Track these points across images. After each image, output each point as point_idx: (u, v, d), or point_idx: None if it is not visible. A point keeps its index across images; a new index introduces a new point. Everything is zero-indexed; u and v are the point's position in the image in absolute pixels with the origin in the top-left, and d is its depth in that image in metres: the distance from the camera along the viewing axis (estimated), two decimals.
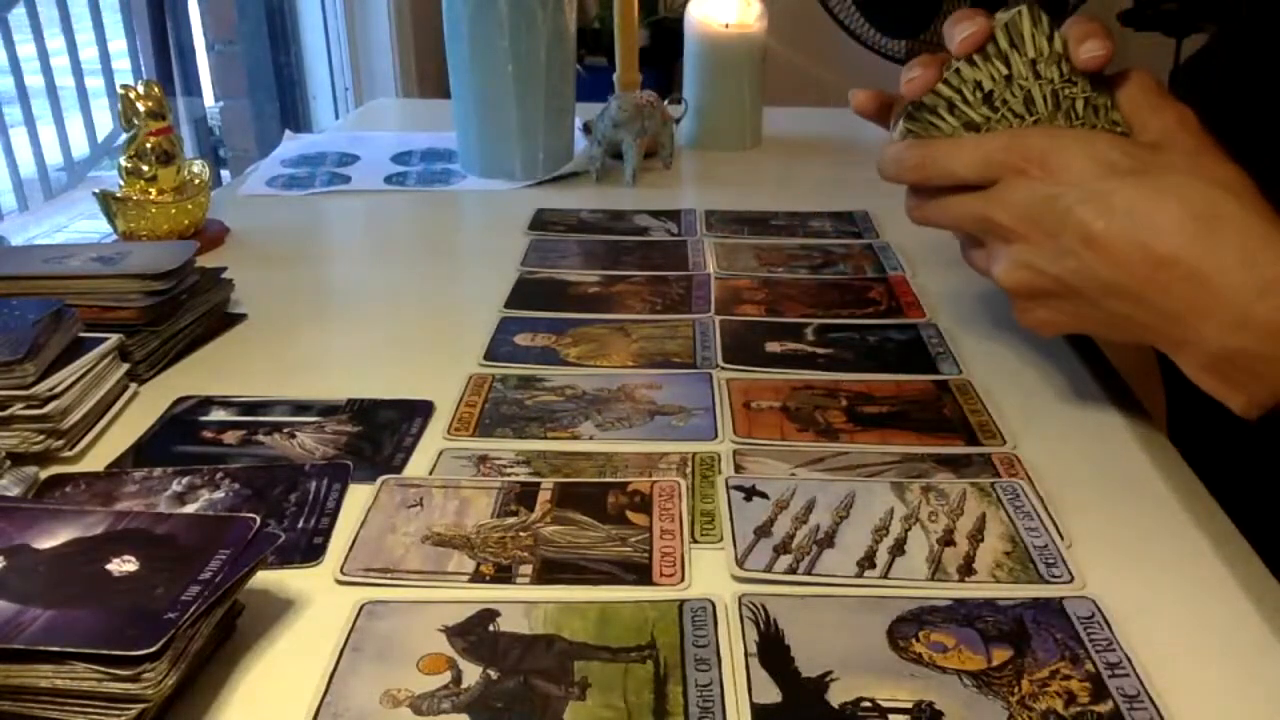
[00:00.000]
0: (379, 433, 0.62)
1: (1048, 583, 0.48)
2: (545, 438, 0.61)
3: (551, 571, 0.49)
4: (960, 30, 0.56)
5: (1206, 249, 0.49)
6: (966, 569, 0.49)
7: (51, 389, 0.58)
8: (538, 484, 0.56)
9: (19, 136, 2.26)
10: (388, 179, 1.13)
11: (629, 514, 0.53)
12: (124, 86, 0.88)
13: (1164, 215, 0.50)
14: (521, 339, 0.73)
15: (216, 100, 2.20)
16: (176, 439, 0.61)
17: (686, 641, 0.44)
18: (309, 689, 0.42)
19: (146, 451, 0.60)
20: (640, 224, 0.98)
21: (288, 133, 1.31)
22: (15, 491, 0.54)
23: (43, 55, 2.30)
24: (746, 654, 0.44)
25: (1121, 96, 0.56)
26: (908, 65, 0.58)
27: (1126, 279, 0.52)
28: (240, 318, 0.78)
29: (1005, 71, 0.56)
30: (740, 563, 0.49)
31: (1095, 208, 0.51)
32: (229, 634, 0.45)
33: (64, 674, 0.37)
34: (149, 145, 0.87)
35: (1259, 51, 0.66)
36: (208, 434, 0.62)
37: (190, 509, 0.54)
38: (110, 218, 0.88)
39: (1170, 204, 0.50)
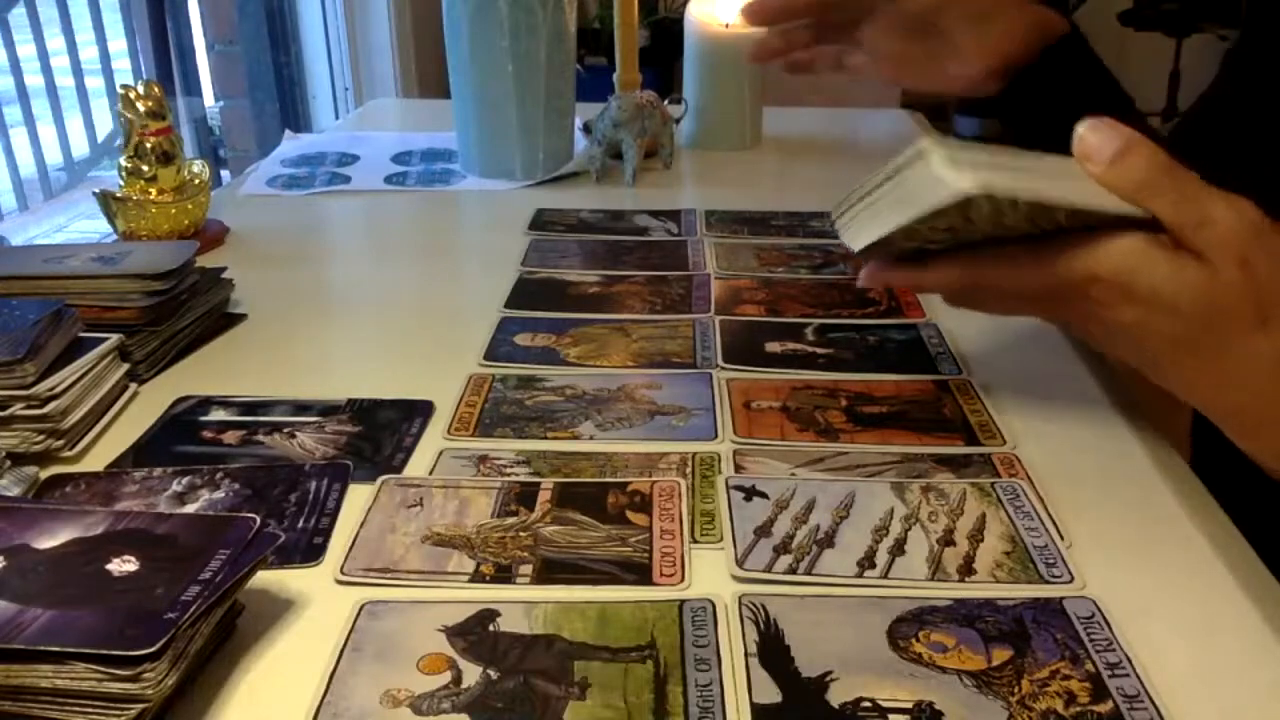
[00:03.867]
0: (379, 433, 0.62)
1: (1048, 583, 0.48)
2: (545, 438, 0.61)
3: (551, 571, 0.49)
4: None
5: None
6: (966, 569, 0.49)
7: (51, 389, 0.58)
8: (538, 484, 0.56)
9: (19, 136, 2.25)
10: (388, 179, 1.13)
11: (629, 514, 0.53)
12: (124, 86, 0.88)
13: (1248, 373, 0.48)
14: (521, 339, 0.73)
15: (216, 100, 2.20)
16: (176, 439, 0.61)
17: (686, 641, 0.44)
18: (309, 689, 0.42)
19: (146, 451, 0.60)
20: (640, 224, 0.98)
21: (288, 133, 1.31)
22: (15, 491, 0.54)
23: (43, 55, 2.30)
24: (746, 654, 0.44)
25: (1172, 195, 0.47)
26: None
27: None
28: (240, 318, 0.78)
29: (964, 220, 0.48)
30: (740, 563, 0.49)
31: (1178, 346, 0.48)
32: (229, 634, 0.45)
33: (64, 674, 0.37)
34: (149, 145, 0.87)
35: (1260, 93, 0.66)
36: (208, 434, 0.62)
37: (190, 509, 0.54)
38: (110, 218, 0.88)
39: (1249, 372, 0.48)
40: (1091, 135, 0.48)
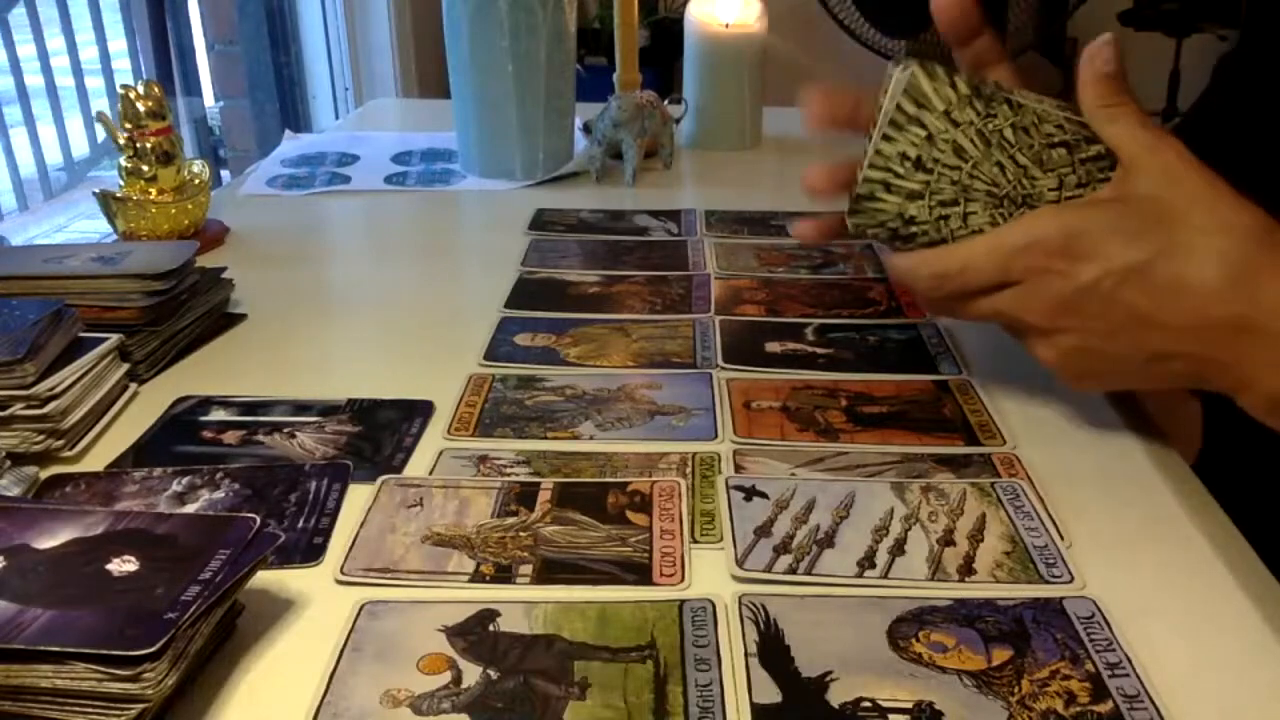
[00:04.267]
0: (379, 433, 0.62)
1: (1048, 583, 0.48)
2: (545, 438, 0.61)
3: (551, 571, 0.49)
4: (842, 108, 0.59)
5: (1252, 302, 0.50)
6: (966, 569, 0.49)
7: (51, 389, 0.58)
8: (538, 484, 0.56)
9: (19, 136, 2.25)
10: (388, 179, 1.13)
11: (629, 514, 0.53)
12: (124, 86, 0.88)
13: (1207, 281, 0.51)
14: (521, 339, 0.73)
15: (216, 100, 2.20)
16: (176, 439, 0.61)
17: (686, 641, 0.44)
18: (309, 689, 0.42)
19: (146, 451, 0.60)
20: (640, 224, 0.98)
21: (288, 133, 1.31)
22: (15, 491, 0.54)
23: (43, 55, 2.30)
24: (746, 654, 0.44)
25: (1114, 136, 0.54)
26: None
27: (1181, 345, 0.53)
28: (240, 318, 0.78)
29: (924, 133, 0.56)
30: (740, 563, 0.49)
31: (1138, 287, 0.52)
32: (229, 634, 0.45)
33: (64, 674, 0.37)
34: (149, 145, 0.87)
35: (1262, 88, 0.66)
36: (208, 434, 0.62)
37: (190, 509, 0.54)
38: (110, 218, 0.88)
39: (1209, 269, 0.50)
40: (1105, 47, 0.55)
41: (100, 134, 2.52)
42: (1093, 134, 0.55)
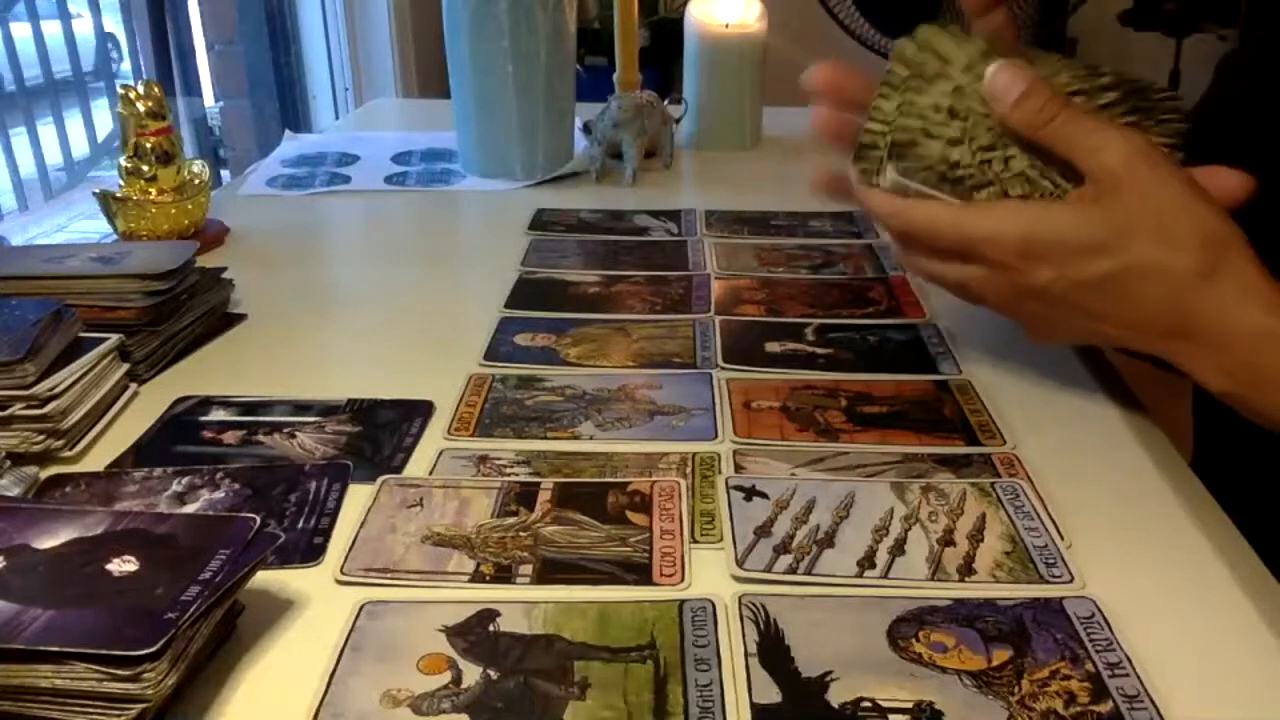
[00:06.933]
0: (379, 433, 0.61)
1: (1048, 583, 0.48)
2: (545, 438, 0.61)
3: (551, 571, 0.49)
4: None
5: (1202, 309, 0.52)
6: (966, 569, 0.49)
7: (51, 389, 0.58)
8: (538, 484, 0.56)
9: (19, 136, 2.25)
10: (388, 179, 1.13)
11: (629, 514, 0.53)
12: (124, 86, 0.88)
13: (1151, 298, 0.53)
14: (521, 339, 0.73)
15: (216, 100, 2.20)
16: (176, 439, 0.61)
17: (686, 641, 0.44)
18: (309, 689, 0.42)
19: (146, 451, 0.60)
20: (640, 224, 0.98)
21: (288, 133, 1.31)
22: (15, 491, 0.54)
23: (43, 55, 2.29)
24: (746, 654, 0.44)
25: (1070, 148, 0.55)
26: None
27: (1129, 340, 0.56)
28: (240, 318, 0.77)
29: (950, 86, 0.58)
30: (740, 563, 0.49)
31: (1088, 293, 0.54)
32: (229, 634, 0.45)
33: (64, 674, 0.37)
34: (149, 145, 0.87)
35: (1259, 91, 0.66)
36: (208, 434, 0.62)
37: (190, 509, 0.54)
38: (110, 218, 0.88)
39: (1156, 288, 0.53)
40: (1000, 76, 0.55)
41: (100, 134, 2.52)
42: (1105, 82, 0.57)
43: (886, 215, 0.60)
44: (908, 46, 0.59)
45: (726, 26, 1.20)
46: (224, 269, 0.78)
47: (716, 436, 0.61)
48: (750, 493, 0.55)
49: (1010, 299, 0.57)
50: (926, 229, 0.58)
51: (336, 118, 2.20)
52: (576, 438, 0.61)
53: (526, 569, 0.49)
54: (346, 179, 1.13)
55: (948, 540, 0.51)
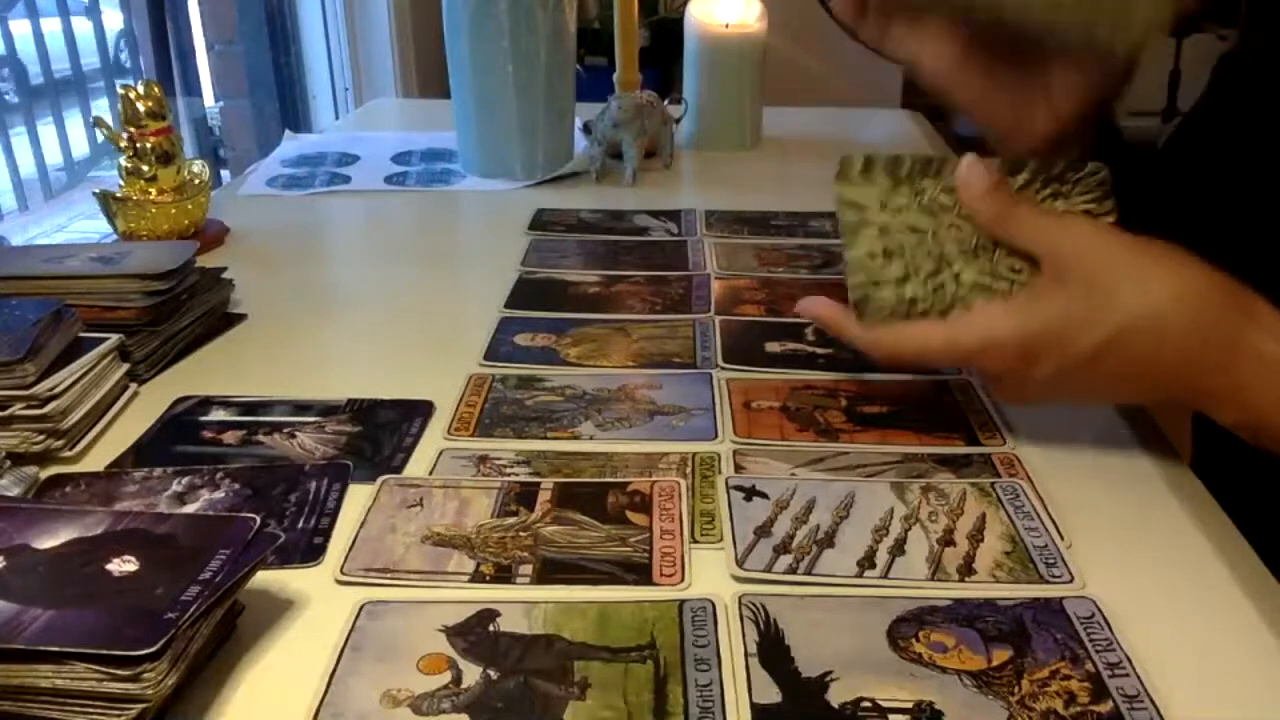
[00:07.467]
0: (379, 433, 0.61)
1: (1048, 583, 0.48)
2: (545, 438, 0.61)
3: (551, 571, 0.49)
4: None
5: (1190, 370, 0.53)
6: (966, 569, 0.49)
7: (51, 389, 0.58)
8: (538, 484, 0.56)
9: (19, 136, 2.25)
10: (388, 179, 1.13)
11: (629, 514, 0.53)
12: (124, 86, 0.88)
13: (1152, 359, 0.53)
14: (521, 339, 0.73)
15: (216, 100, 2.20)
16: (176, 439, 0.61)
17: (686, 641, 0.44)
18: (309, 689, 0.42)
19: (146, 451, 0.60)
20: (640, 224, 0.98)
21: (288, 133, 1.31)
22: (15, 491, 0.54)
23: (42, 55, 2.30)
24: (746, 654, 0.44)
25: (1025, 240, 0.56)
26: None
27: (1134, 397, 0.59)
28: (240, 318, 0.78)
29: (874, 230, 0.58)
30: (740, 563, 0.49)
31: (1091, 369, 0.53)
32: (229, 634, 0.45)
33: (64, 674, 0.37)
34: (149, 145, 0.87)
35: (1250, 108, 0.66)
36: (208, 434, 0.62)
37: (190, 509, 0.54)
38: (110, 218, 0.88)
39: (1151, 348, 0.52)
40: (970, 169, 0.56)
41: (100, 135, 2.52)
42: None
43: (880, 355, 0.60)
44: (836, 198, 0.59)
45: (726, 26, 1.20)
46: (224, 269, 0.78)
47: (716, 436, 0.61)
48: (750, 493, 0.55)
49: (1026, 394, 0.57)
50: (915, 353, 0.58)
51: (336, 118, 2.20)
52: (576, 438, 0.61)
53: (526, 569, 0.49)
54: (346, 179, 1.13)
55: (948, 540, 0.51)
